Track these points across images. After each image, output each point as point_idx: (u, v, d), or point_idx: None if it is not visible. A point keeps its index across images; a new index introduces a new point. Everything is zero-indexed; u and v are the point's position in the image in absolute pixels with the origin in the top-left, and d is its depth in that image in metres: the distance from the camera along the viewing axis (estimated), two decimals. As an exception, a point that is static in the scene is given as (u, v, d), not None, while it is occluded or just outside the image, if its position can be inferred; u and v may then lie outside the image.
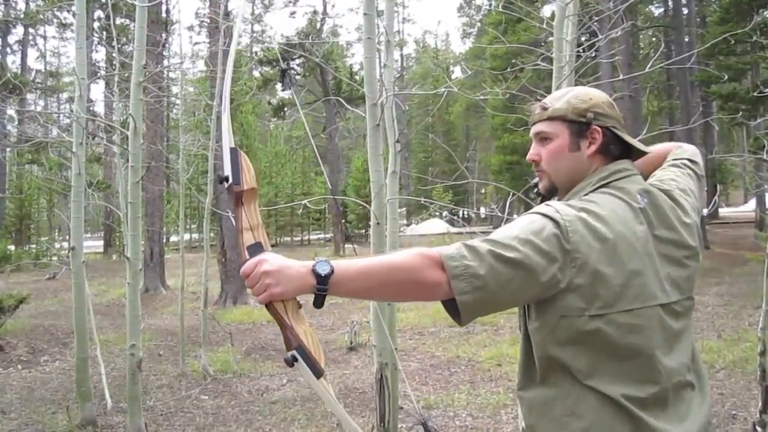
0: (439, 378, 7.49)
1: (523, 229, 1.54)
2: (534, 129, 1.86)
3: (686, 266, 1.70)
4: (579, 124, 1.78)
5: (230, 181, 1.71)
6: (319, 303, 1.53)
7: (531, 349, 1.66)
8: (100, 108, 27.73)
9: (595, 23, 4.59)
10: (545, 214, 1.57)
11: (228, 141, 1.75)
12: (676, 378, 1.64)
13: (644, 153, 1.86)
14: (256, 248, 1.62)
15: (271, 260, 1.54)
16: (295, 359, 1.61)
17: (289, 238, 43.59)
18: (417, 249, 1.54)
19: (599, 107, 1.78)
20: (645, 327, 1.59)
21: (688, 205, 1.79)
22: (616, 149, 1.79)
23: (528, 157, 1.88)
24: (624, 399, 1.56)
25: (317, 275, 1.50)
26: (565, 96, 1.83)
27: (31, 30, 39.86)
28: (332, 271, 1.50)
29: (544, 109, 1.83)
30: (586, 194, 1.72)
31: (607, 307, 1.54)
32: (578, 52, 4.20)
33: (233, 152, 1.75)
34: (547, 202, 1.64)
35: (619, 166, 1.76)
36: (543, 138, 1.83)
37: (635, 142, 1.80)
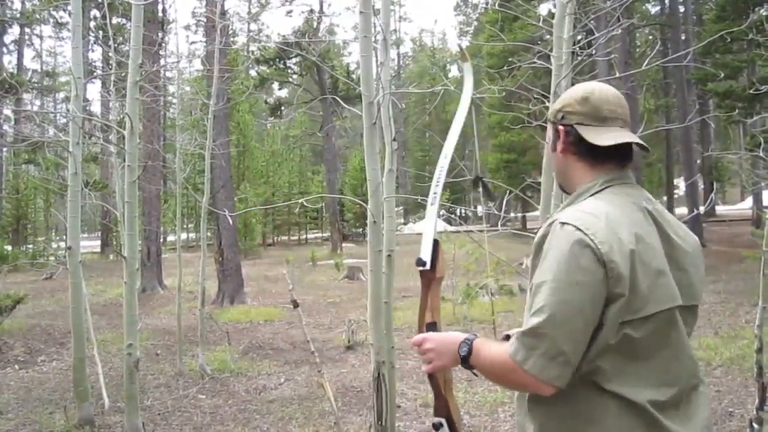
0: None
1: (559, 271, 1.54)
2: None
3: (689, 273, 1.71)
4: (553, 124, 1.85)
5: (427, 266, 1.96)
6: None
7: None
8: (96, 107, 27.67)
9: (592, 21, 4.59)
10: (564, 227, 1.58)
11: (433, 232, 2.02)
12: (691, 380, 1.69)
13: (631, 146, 1.79)
14: (432, 327, 1.90)
15: (433, 338, 1.82)
16: (441, 425, 1.89)
17: (286, 237, 43.60)
18: (510, 346, 1.60)
19: (569, 105, 1.79)
20: (667, 329, 1.62)
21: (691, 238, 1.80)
22: (588, 146, 1.75)
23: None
24: (648, 404, 1.57)
25: (461, 356, 1.72)
26: (558, 100, 1.87)
27: (27, 30, 39.75)
28: (469, 353, 1.70)
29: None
30: (592, 194, 1.73)
31: (636, 312, 1.56)
32: (575, 50, 4.20)
33: (435, 243, 2.00)
34: (564, 218, 1.61)
35: (611, 175, 1.76)
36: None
37: (602, 137, 1.73)
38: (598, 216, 1.59)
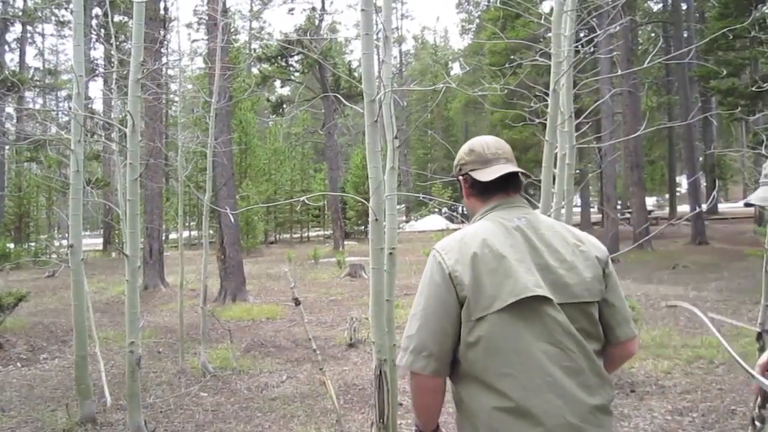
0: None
1: (423, 286, 2.04)
2: None
3: (561, 276, 2.00)
4: (456, 178, 2.32)
5: None
6: None
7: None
8: (98, 105, 27.76)
9: (594, 19, 4.58)
10: (433, 262, 2.05)
11: None
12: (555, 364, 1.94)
13: (515, 174, 2.18)
14: None
15: None
16: None
17: (288, 235, 43.61)
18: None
19: (461, 159, 2.27)
20: (527, 321, 1.93)
21: (586, 246, 2.12)
22: (480, 185, 2.18)
23: None
24: (505, 389, 1.92)
25: None
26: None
27: (29, 28, 39.82)
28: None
29: None
30: (473, 222, 2.19)
31: (487, 308, 1.92)
32: (577, 47, 4.19)
33: None
34: (435, 246, 2.12)
35: (495, 203, 2.16)
36: None
37: (486, 175, 2.15)
38: (455, 239, 2.07)
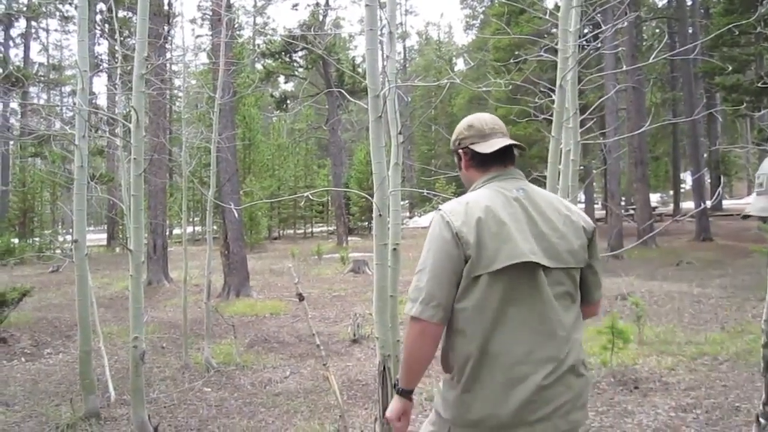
0: (440, 369, 7.49)
1: (427, 241, 2.27)
2: None
3: (554, 243, 2.25)
4: (455, 152, 2.56)
5: None
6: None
7: None
8: (102, 101, 27.72)
9: (599, 14, 4.57)
10: (437, 212, 2.30)
11: None
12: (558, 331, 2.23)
13: (513, 147, 2.45)
14: None
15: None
16: None
17: (291, 231, 43.61)
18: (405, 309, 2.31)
19: (461, 134, 2.51)
20: (522, 282, 2.19)
21: (575, 217, 2.38)
22: (481, 157, 2.43)
23: None
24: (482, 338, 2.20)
25: (397, 390, 2.50)
26: None
27: (33, 23, 39.86)
28: (397, 381, 2.49)
29: None
30: (474, 190, 2.42)
31: (487, 267, 2.16)
32: (582, 43, 4.18)
33: None
34: (440, 207, 2.33)
35: (494, 173, 2.41)
36: None
37: (487, 147, 2.40)
38: (460, 203, 2.29)
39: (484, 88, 5.43)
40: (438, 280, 2.18)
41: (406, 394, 2.39)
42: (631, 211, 30.17)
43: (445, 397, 2.32)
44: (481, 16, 56.26)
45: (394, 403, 2.41)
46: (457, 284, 2.19)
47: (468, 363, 2.20)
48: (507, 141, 2.40)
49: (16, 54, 39.36)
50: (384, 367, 3.45)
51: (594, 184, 37.76)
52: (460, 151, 2.50)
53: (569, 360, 2.21)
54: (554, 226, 2.28)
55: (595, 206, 38.48)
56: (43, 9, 34.07)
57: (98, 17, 26.39)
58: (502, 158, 2.42)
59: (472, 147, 2.43)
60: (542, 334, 2.19)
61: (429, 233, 2.28)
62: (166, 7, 19.13)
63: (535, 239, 2.22)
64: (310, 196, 4.06)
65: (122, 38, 10.43)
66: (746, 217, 2.46)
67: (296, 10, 42.91)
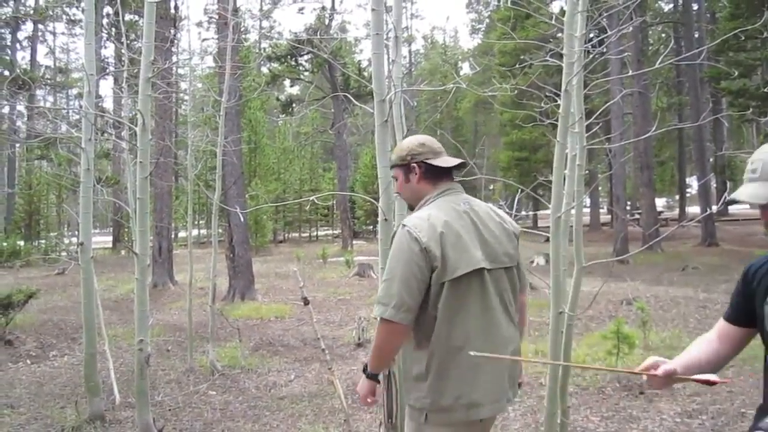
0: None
1: (394, 253, 2.59)
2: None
3: (493, 246, 2.68)
4: (403, 166, 2.84)
5: None
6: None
7: None
8: (108, 104, 27.82)
9: (605, 19, 4.56)
10: (403, 228, 2.60)
11: None
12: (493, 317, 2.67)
13: (462, 164, 2.87)
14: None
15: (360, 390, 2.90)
16: None
17: (297, 234, 43.65)
18: (374, 312, 2.63)
19: (414, 150, 2.80)
20: (476, 284, 2.60)
21: (507, 225, 2.84)
22: (434, 171, 2.79)
23: (395, 190, 3.02)
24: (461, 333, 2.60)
25: (365, 374, 2.91)
26: (394, 151, 2.95)
27: (40, 26, 40.04)
28: (365, 366, 2.89)
29: (391, 160, 2.92)
30: (427, 204, 2.75)
31: (452, 274, 2.53)
32: (588, 47, 4.18)
33: None
34: (405, 222, 2.65)
35: (444, 188, 2.78)
36: (394, 178, 2.93)
37: (442, 162, 2.79)
38: (422, 218, 2.62)
39: (489, 93, 5.44)
40: (408, 287, 2.52)
41: (374, 377, 2.80)
42: (637, 216, 30.08)
43: (418, 390, 2.66)
44: (487, 20, 56.26)
45: (364, 384, 2.80)
46: (422, 291, 2.55)
47: (436, 357, 2.59)
48: (456, 160, 2.84)
49: (23, 57, 39.61)
50: (389, 372, 3.45)
51: (599, 188, 37.73)
52: (414, 164, 2.80)
53: (515, 342, 2.75)
54: (493, 233, 2.72)
55: (601, 211, 38.42)
56: (50, 12, 34.18)
57: (105, 20, 26.43)
58: (449, 174, 2.83)
59: (427, 161, 2.78)
60: (493, 324, 2.64)
61: (396, 246, 2.59)
62: (172, 11, 19.17)
63: (480, 246, 2.64)
64: (316, 200, 4.07)
65: (129, 41, 10.47)
66: (732, 202, 2.44)
67: (302, 13, 43.13)
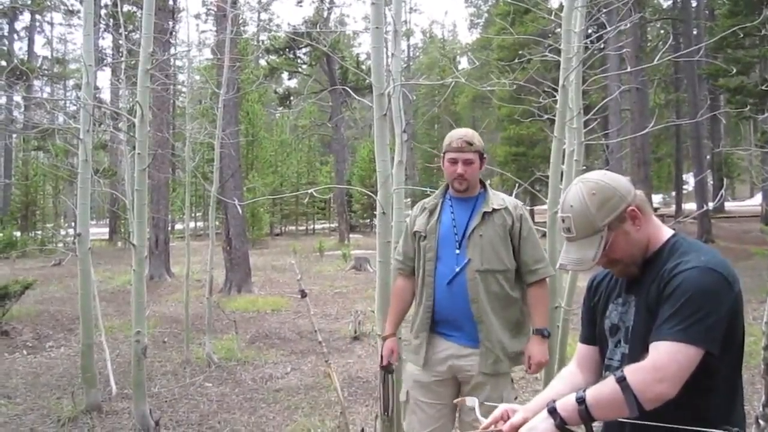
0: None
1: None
2: (462, 156, 3.20)
3: None
4: (481, 153, 3.27)
5: None
6: None
7: None
8: (106, 95, 27.77)
9: (604, 15, 4.57)
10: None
11: None
12: None
13: None
14: None
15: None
16: None
17: (293, 227, 43.62)
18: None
19: (480, 141, 3.27)
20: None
21: None
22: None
23: (458, 171, 3.20)
24: None
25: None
26: (473, 137, 3.26)
27: (38, 16, 39.83)
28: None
29: (470, 144, 3.20)
30: None
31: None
32: (586, 43, 4.19)
33: None
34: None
35: None
36: (468, 161, 3.21)
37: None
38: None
39: (487, 87, 5.45)
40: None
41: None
42: (634, 212, 30.06)
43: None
44: (486, 15, 56.18)
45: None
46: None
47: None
48: None
49: (20, 47, 39.43)
50: (387, 365, 3.47)
51: (596, 184, 37.64)
52: (485, 156, 3.32)
53: None
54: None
55: (598, 206, 38.35)
56: (48, 2, 34.08)
57: (103, 11, 26.37)
58: None
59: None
60: None
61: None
62: (171, 2, 19.11)
63: None
64: (314, 193, 4.08)
65: (127, 33, 10.45)
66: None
67: (301, 6, 43.00)
